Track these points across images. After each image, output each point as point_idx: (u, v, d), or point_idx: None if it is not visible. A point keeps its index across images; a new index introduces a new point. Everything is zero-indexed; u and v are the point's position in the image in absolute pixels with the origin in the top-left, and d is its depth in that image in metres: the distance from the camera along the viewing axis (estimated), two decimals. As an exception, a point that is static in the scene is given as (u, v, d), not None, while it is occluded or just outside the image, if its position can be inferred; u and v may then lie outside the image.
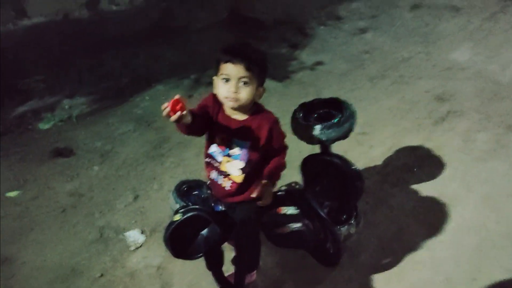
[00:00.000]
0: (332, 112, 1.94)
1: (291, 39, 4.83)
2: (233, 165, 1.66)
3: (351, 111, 1.91)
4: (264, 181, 1.64)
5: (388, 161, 2.88)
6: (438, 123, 3.23)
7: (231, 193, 1.71)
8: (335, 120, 1.86)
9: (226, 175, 1.68)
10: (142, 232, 2.39)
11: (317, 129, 1.85)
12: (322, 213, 1.77)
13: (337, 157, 1.93)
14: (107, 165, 2.94)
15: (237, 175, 1.67)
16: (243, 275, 1.72)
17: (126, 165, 2.93)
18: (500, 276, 2.05)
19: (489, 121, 3.18)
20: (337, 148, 2.91)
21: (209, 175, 1.77)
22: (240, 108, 1.61)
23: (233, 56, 1.53)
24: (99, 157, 3.02)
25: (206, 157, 1.74)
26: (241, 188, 1.69)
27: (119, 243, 2.34)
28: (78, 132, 3.32)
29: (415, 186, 2.65)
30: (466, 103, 3.44)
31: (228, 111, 1.65)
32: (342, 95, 3.71)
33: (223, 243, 1.83)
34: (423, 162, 2.86)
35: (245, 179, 1.67)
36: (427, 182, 2.67)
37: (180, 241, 1.81)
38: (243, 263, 1.77)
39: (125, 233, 2.40)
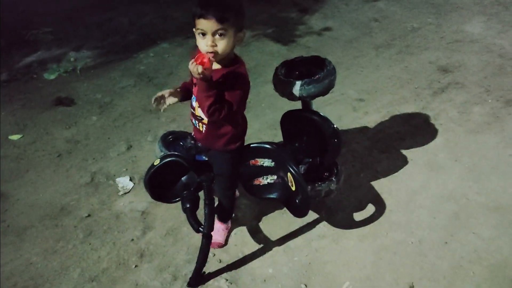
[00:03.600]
0: (313, 70, 1.95)
1: (302, 3, 4.78)
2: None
3: (331, 68, 1.92)
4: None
5: (381, 128, 2.89)
6: (437, 94, 3.21)
7: (205, 137, 1.80)
8: (315, 77, 1.88)
9: (200, 119, 1.76)
10: (131, 179, 2.49)
11: (297, 85, 1.87)
12: (293, 167, 1.81)
13: (316, 114, 1.95)
14: (104, 116, 3.02)
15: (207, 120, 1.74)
16: (212, 218, 1.80)
17: (123, 117, 3.01)
18: (472, 242, 2.08)
19: (489, 95, 3.15)
20: (331, 112, 2.97)
21: (191, 119, 1.85)
22: (220, 59, 1.63)
23: (205, 10, 1.50)
24: (98, 108, 3.10)
25: (190, 105, 1.82)
26: (213, 132, 1.76)
27: (109, 188, 2.44)
28: (81, 83, 3.39)
29: (403, 154, 2.66)
30: (469, 76, 3.39)
31: None
32: (345, 62, 3.73)
33: (200, 190, 1.90)
34: (415, 131, 2.86)
35: (214, 125, 1.74)
36: (416, 150, 2.68)
37: (160, 185, 1.90)
38: (213, 208, 1.84)
39: (116, 179, 2.49)
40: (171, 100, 1.77)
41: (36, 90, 3.30)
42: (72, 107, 3.12)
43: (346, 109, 3.09)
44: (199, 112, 1.74)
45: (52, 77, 3.48)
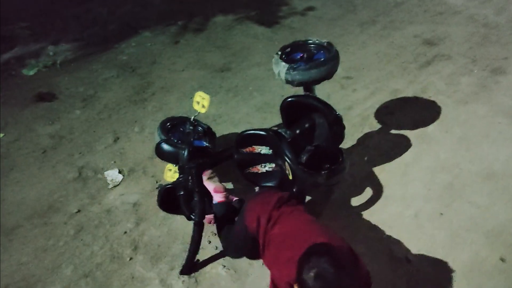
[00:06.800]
0: (313, 53, 1.90)
1: (283, -16, 4.70)
2: None
3: (333, 52, 1.86)
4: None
5: (370, 104, 2.86)
6: (423, 67, 3.19)
7: None
8: (321, 60, 1.82)
9: None
10: (120, 172, 2.43)
11: (299, 69, 1.82)
12: (290, 156, 1.75)
13: (318, 100, 1.89)
14: (88, 109, 2.94)
15: None
16: (202, 205, 1.76)
17: (108, 109, 2.94)
18: (467, 211, 2.08)
19: (475, 65, 3.13)
20: (320, 91, 2.87)
21: None
22: None
23: None
24: (81, 101, 3.02)
25: None
26: None
27: (97, 182, 2.38)
28: (62, 78, 3.30)
29: (394, 128, 2.64)
30: (455, 48, 3.37)
31: None
32: (330, 41, 3.66)
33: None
34: (405, 105, 2.84)
35: None
36: (407, 124, 2.66)
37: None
38: (203, 195, 1.80)
39: (104, 172, 2.43)
40: None
41: (16, 86, 3.20)
42: (54, 102, 3.03)
43: (334, 87, 3.05)
44: None
45: (32, 72, 3.38)
